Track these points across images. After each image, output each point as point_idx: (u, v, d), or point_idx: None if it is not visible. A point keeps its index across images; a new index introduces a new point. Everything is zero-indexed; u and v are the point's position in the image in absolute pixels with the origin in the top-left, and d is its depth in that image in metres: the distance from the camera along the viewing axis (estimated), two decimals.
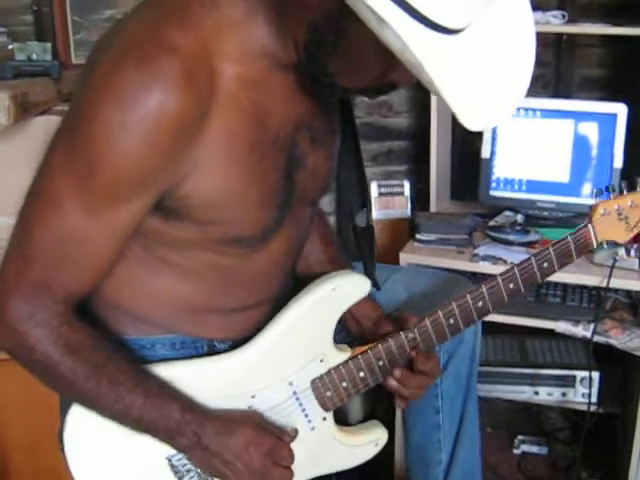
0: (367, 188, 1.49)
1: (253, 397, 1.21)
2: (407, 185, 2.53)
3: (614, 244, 1.33)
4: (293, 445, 1.21)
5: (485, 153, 2.21)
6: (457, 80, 0.87)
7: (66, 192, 0.99)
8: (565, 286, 1.98)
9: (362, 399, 1.41)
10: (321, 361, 1.24)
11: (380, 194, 2.49)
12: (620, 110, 2.06)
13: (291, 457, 1.20)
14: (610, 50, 2.39)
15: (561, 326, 1.91)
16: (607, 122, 2.08)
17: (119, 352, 1.11)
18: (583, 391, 2.04)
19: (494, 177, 2.22)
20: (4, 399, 1.95)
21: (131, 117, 0.93)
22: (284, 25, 1.00)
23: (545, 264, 1.24)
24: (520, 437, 2.34)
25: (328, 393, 1.25)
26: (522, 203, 2.21)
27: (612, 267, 1.82)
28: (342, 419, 1.35)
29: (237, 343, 1.23)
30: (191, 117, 0.96)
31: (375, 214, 2.46)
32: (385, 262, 1.60)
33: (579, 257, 1.26)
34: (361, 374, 1.26)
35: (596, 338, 1.86)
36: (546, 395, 2.09)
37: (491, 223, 2.18)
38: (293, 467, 1.21)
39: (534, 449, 2.30)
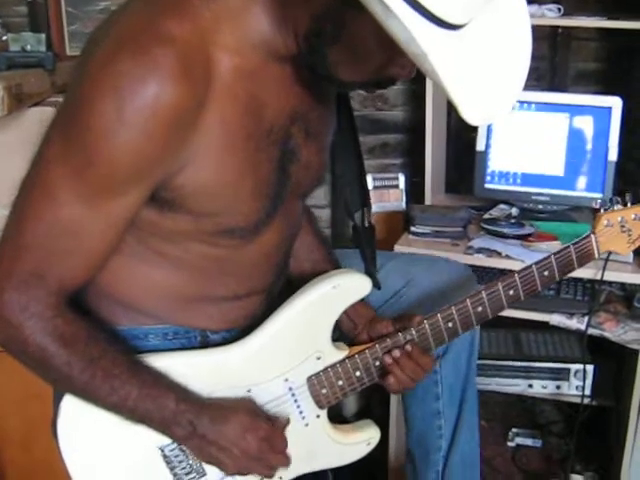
0: (367, 187, 1.48)
1: (249, 391, 1.22)
2: (402, 178, 2.53)
3: None
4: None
5: (480, 146, 2.21)
6: (459, 73, 0.88)
7: (61, 184, 0.99)
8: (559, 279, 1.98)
9: (357, 394, 1.42)
10: (318, 358, 1.24)
11: (375, 187, 2.49)
12: (615, 103, 2.06)
13: (285, 443, 1.21)
14: (605, 44, 2.39)
15: (555, 319, 1.92)
16: (602, 115, 2.08)
17: (113, 344, 1.11)
18: (577, 384, 2.05)
19: (489, 170, 2.22)
20: None
21: (127, 108, 0.93)
22: (284, 15, 1.00)
23: (546, 272, 1.25)
24: (514, 430, 2.35)
25: (324, 391, 1.26)
26: (517, 196, 2.21)
27: (606, 260, 1.81)
28: (337, 412, 1.35)
29: (230, 334, 1.23)
30: (187, 108, 0.96)
31: None
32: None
33: (580, 267, 1.27)
34: (357, 373, 1.26)
35: (590, 331, 1.86)
36: (540, 388, 2.10)
37: (486, 216, 2.18)
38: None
39: (528, 442, 2.32)
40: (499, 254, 1.96)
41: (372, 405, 2.29)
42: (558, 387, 2.08)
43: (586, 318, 1.87)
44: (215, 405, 1.17)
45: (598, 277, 1.84)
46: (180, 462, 1.21)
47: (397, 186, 2.52)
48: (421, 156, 2.26)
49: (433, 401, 1.46)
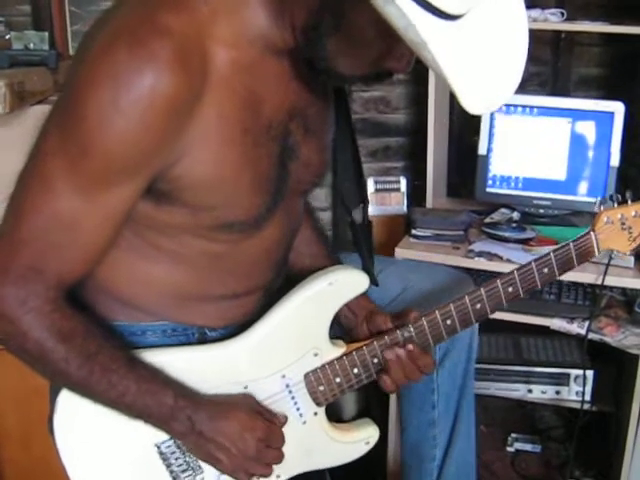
0: (365, 184, 1.48)
1: (245, 388, 1.21)
2: (404, 181, 2.53)
3: None
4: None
5: (482, 150, 2.21)
6: (458, 61, 0.88)
7: (58, 176, 0.98)
8: (560, 283, 1.98)
9: (356, 394, 1.41)
10: (315, 355, 1.24)
11: (377, 190, 2.49)
12: (617, 108, 2.06)
13: (282, 439, 1.22)
14: (608, 49, 2.39)
15: (556, 323, 1.91)
16: (604, 120, 2.08)
17: (111, 339, 1.11)
18: (577, 389, 2.04)
19: (490, 174, 2.22)
20: None
21: (124, 99, 0.93)
22: (281, 9, 1.00)
23: (545, 269, 1.24)
24: (514, 435, 2.34)
25: (321, 387, 1.25)
26: (518, 200, 2.21)
27: (607, 265, 1.81)
28: (336, 414, 1.34)
29: (229, 331, 1.23)
30: (184, 99, 0.96)
31: (371, 210, 2.45)
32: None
33: (580, 264, 1.26)
34: (355, 370, 1.25)
35: (591, 335, 1.86)
36: (540, 393, 2.09)
37: (487, 220, 2.18)
38: (284, 461, 1.22)
39: (528, 447, 2.31)
40: (500, 258, 1.95)
41: (371, 406, 2.28)
42: (558, 392, 2.07)
43: (587, 323, 1.87)
44: (213, 402, 1.17)
45: (599, 282, 1.83)
46: (176, 459, 1.20)
47: (399, 189, 2.52)
48: (423, 159, 2.26)
49: (429, 410, 1.46)
